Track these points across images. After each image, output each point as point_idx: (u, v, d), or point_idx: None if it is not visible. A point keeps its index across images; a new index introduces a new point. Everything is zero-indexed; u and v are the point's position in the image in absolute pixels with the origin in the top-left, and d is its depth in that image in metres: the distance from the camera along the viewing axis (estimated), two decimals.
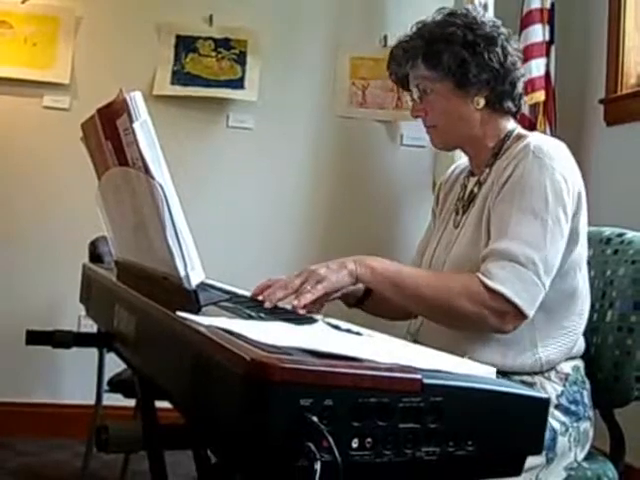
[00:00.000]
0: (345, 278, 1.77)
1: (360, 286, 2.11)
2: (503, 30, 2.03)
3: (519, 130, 2.04)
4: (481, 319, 1.79)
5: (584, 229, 1.94)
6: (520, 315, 1.79)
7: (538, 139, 1.93)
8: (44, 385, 4.19)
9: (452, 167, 2.29)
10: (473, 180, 2.07)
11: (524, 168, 1.86)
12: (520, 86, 2.04)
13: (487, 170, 2.02)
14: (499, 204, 1.88)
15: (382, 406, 0.93)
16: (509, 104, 2.03)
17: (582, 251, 1.95)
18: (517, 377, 1.87)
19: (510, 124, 2.05)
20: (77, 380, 4.02)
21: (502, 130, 2.03)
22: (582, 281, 1.95)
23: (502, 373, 1.81)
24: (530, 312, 1.79)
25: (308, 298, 1.70)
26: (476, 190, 2.03)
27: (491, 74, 1.97)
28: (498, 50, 1.97)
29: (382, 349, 1.19)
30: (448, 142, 2.09)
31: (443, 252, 2.05)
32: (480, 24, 1.99)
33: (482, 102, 2.00)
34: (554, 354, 1.90)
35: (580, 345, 1.98)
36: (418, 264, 2.21)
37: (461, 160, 2.26)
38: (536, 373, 1.90)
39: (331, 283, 1.75)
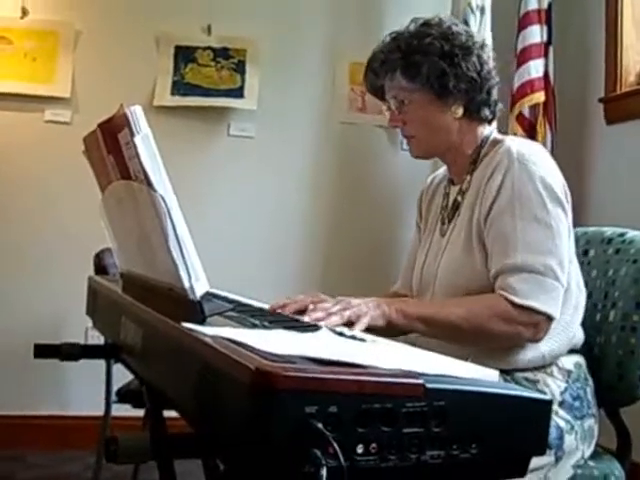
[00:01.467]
0: (379, 320, 1.74)
1: None
2: (477, 39, 2.05)
3: (495, 135, 2.07)
4: (515, 335, 1.84)
5: (571, 229, 1.97)
6: (550, 320, 1.83)
7: (517, 144, 1.95)
8: (53, 397, 4.20)
9: (430, 177, 2.32)
10: (455, 188, 2.10)
11: (513, 178, 1.88)
12: (495, 93, 2.07)
13: (468, 177, 2.04)
14: (498, 218, 1.89)
15: (386, 411, 0.94)
16: (486, 112, 2.06)
17: (572, 244, 1.98)
18: (520, 374, 1.90)
19: (486, 130, 2.08)
20: (85, 392, 4.03)
21: (479, 137, 2.06)
22: (574, 274, 1.98)
23: (505, 371, 1.84)
24: (558, 314, 1.84)
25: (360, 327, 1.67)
26: (460, 199, 2.06)
27: (469, 84, 1.99)
28: (474, 59, 2.00)
29: (385, 355, 1.20)
30: (427, 151, 2.10)
31: (433, 261, 2.08)
32: (455, 34, 2.01)
33: (460, 111, 2.02)
34: (556, 347, 1.92)
35: (579, 337, 2.00)
36: (409, 278, 2.23)
37: (439, 170, 2.27)
38: (538, 369, 1.92)
39: (371, 320, 1.71)
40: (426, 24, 2.03)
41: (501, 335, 1.83)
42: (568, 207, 1.92)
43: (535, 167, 1.88)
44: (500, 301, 1.81)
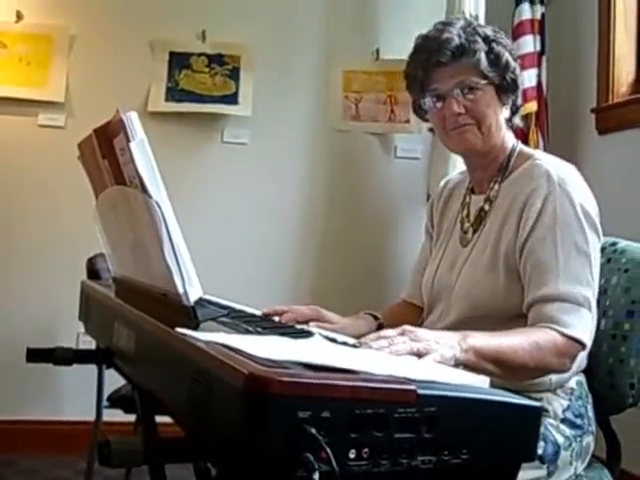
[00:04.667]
0: (449, 362, 1.51)
1: (372, 326, 2.11)
2: None
3: (521, 146, 2.05)
4: (561, 367, 1.79)
5: None
6: (583, 351, 1.82)
7: (555, 167, 1.92)
8: (44, 402, 4.19)
9: (443, 182, 2.27)
10: (477, 198, 2.06)
11: (555, 204, 1.84)
12: None
13: (496, 187, 2.00)
14: (538, 245, 1.84)
15: (378, 417, 0.95)
16: (517, 120, 2.07)
17: None
18: (525, 393, 1.85)
19: (512, 139, 2.05)
20: (77, 397, 4.03)
21: (509, 144, 2.03)
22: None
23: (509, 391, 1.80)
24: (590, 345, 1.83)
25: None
26: (487, 207, 2.01)
27: (518, 86, 2.01)
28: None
29: (378, 361, 1.20)
30: (482, 144, 1.99)
31: (448, 272, 2.04)
32: (501, 33, 2.03)
33: (508, 112, 2.01)
34: (564, 375, 1.90)
35: (585, 361, 1.98)
36: (418, 284, 2.20)
37: (452, 174, 2.25)
38: (543, 391, 1.90)
39: (440, 359, 1.47)
40: (474, 21, 2.04)
41: (554, 369, 1.80)
42: (600, 231, 1.90)
43: (575, 193, 1.86)
44: (555, 335, 1.75)
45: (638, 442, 2.40)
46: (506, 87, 1.98)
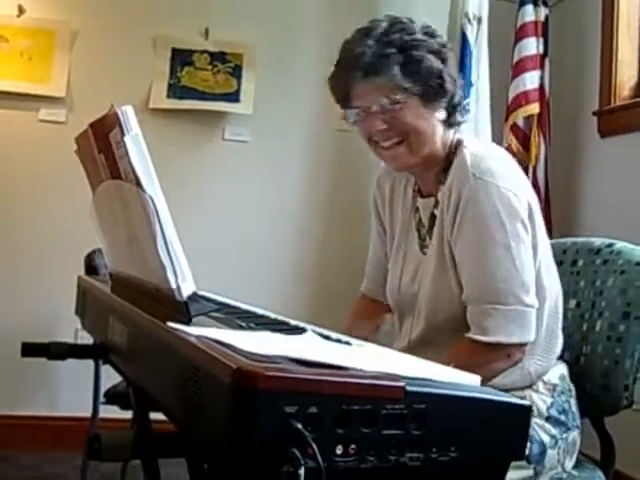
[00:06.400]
0: None
1: None
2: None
3: (458, 136, 1.97)
4: (494, 371, 1.80)
5: (541, 236, 1.90)
6: (523, 346, 1.81)
7: (473, 152, 1.86)
8: (41, 398, 4.20)
9: (376, 179, 2.20)
10: (426, 201, 2.00)
11: (469, 194, 1.80)
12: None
13: (442, 187, 1.92)
14: (459, 242, 1.83)
15: (366, 413, 0.95)
16: (459, 117, 1.96)
17: (543, 256, 1.91)
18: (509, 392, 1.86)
19: (453, 135, 1.96)
20: (74, 392, 4.02)
21: (448, 142, 1.94)
22: (548, 282, 1.92)
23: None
24: (530, 338, 1.81)
25: None
26: (436, 212, 1.95)
27: (452, 85, 1.90)
28: (452, 59, 1.94)
29: (368, 357, 1.20)
30: (416, 159, 1.91)
31: (411, 281, 2.01)
32: (435, 31, 1.93)
33: (443, 115, 1.90)
34: (540, 365, 1.91)
35: (560, 344, 1.98)
36: (376, 279, 2.20)
37: (381, 167, 2.16)
38: (525, 387, 1.90)
39: None
40: (400, 21, 1.91)
41: (487, 378, 1.81)
42: (529, 218, 1.84)
43: (492, 179, 1.79)
44: (468, 349, 1.80)
45: (632, 443, 2.40)
46: (432, 94, 1.87)
